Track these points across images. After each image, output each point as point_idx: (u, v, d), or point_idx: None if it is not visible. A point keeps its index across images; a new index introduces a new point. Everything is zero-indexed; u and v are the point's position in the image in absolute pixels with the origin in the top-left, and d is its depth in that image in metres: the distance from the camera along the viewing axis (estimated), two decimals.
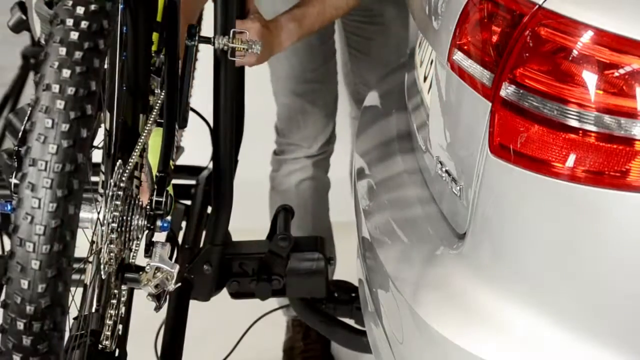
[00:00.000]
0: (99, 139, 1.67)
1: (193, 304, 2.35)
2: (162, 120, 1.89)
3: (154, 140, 1.86)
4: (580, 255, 1.47)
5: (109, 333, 1.68)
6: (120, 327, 1.80)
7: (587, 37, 1.41)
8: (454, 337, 1.56)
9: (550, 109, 1.44)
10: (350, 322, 2.49)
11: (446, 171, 1.72)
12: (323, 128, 2.88)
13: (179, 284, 1.74)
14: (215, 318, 2.90)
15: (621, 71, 1.40)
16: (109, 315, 1.69)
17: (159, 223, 1.74)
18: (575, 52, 1.42)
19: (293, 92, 2.83)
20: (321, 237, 2.41)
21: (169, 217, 1.74)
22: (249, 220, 3.10)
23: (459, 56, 1.63)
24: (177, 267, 1.68)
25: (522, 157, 1.48)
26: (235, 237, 2.56)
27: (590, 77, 1.41)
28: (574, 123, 1.43)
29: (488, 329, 1.55)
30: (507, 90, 1.49)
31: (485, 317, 1.56)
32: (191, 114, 2.83)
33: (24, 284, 1.30)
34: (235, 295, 2.38)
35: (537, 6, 1.46)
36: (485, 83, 1.54)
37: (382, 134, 2.24)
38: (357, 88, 2.96)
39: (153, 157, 1.88)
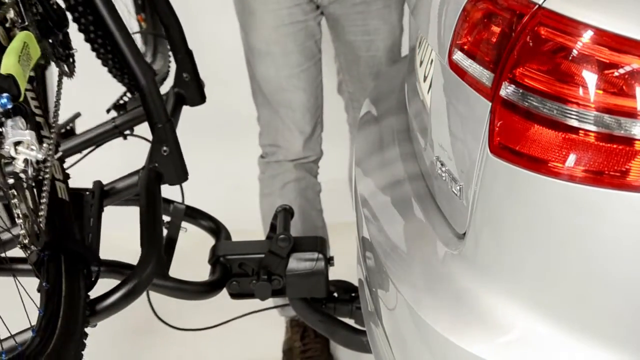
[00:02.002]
0: None
1: (189, 303, 2.35)
2: (25, 25, 1.90)
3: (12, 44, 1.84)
4: (579, 255, 1.47)
5: (23, 232, 1.69)
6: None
7: (587, 36, 1.41)
8: (454, 337, 1.56)
9: (550, 108, 1.44)
10: (350, 321, 2.50)
11: (446, 171, 1.72)
12: (304, 133, 2.86)
13: (48, 155, 1.73)
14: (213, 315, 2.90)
15: (621, 71, 1.40)
16: (16, 214, 1.70)
17: None
18: (575, 52, 1.42)
19: (268, 97, 2.82)
20: (321, 237, 2.42)
21: (5, 93, 1.69)
22: (246, 221, 3.11)
23: (459, 56, 1.63)
24: (33, 132, 1.67)
25: (521, 156, 1.48)
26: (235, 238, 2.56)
27: (590, 77, 1.41)
28: (573, 123, 1.43)
29: (488, 329, 1.55)
30: (507, 90, 1.49)
31: (485, 317, 1.56)
32: None
33: None
34: (235, 295, 2.38)
35: (537, 6, 1.46)
36: (485, 83, 1.54)
37: (382, 134, 2.24)
38: (350, 96, 2.96)
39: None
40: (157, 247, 2.06)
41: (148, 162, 2.26)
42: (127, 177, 2.34)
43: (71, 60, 2.23)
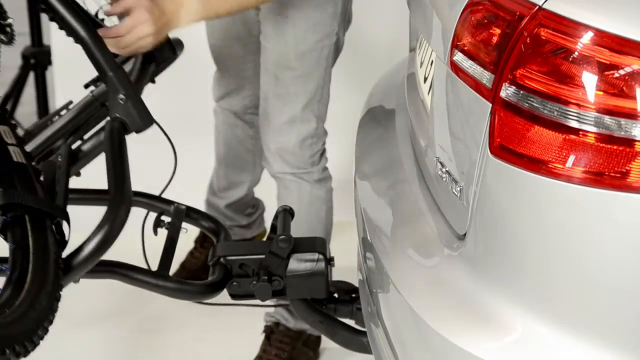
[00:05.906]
0: None
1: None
2: None
3: None
4: (579, 256, 1.47)
5: None
6: None
7: (587, 38, 1.41)
8: (454, 337, 1.56)
9: (551, 109, 1.44)
10: (351, 322, 2.50)
11: (446, 172, 1.72)
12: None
13: None
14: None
15: (621, 72, 1.40)
16: None
17: None
18: (575, 53, 1.42)
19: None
20: (321, 238, 2.42)
21: None
22: None
23: (459, 57, 1.63)
24: None
25: (522, 157, 1.48)
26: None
27: (590, 78, 1.41)
28: (574, 124, 1.43)
29: (488, 329, 1.55)
30: (507, 91, 1.49)
31: (484, 318, 1.56)
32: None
33: None
34: (235, 296, 2.38)
35: (537, 7, 1.46)
36: (485, 84, 1.54)
37: (383, 135, 2.25)
38: None
39: None
40: (126, 191, 2.03)
41: (110, 116, 2.24)
42: (93, 136, 2.34)
43: (8, 29, 2.22)
